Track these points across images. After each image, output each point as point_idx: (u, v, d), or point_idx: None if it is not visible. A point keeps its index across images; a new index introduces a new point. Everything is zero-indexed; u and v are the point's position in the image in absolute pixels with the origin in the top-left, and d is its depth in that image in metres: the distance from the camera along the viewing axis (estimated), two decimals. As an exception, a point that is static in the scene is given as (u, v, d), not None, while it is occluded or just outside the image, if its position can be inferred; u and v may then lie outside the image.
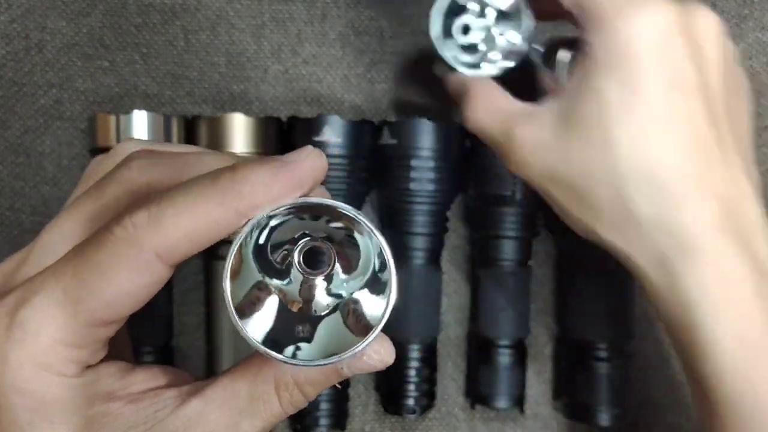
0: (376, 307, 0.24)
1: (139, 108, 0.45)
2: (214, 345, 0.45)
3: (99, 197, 0.26)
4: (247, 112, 0.44)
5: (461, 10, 0.39)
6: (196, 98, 0.47)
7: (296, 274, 0.25)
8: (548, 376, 0.47)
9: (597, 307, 0.44)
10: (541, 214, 0.47)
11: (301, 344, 0.24)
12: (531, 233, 0.45)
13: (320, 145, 0.42)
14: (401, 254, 0.44)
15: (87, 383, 0.24)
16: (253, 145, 0.43)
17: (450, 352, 0.48)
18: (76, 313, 0.23)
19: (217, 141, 0.43)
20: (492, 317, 0.45)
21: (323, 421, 0.44)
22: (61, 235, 0.26)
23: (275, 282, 0.25)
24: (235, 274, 0.23)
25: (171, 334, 0.44)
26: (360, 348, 0.23)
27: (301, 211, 0.24)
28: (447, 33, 0.39)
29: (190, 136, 0.44)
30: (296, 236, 0.25)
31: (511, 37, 0.38)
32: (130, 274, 0.23)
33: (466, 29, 0.39)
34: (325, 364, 0.23)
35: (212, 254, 0.44)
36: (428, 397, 0.45)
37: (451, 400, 0.47)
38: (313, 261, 0.25)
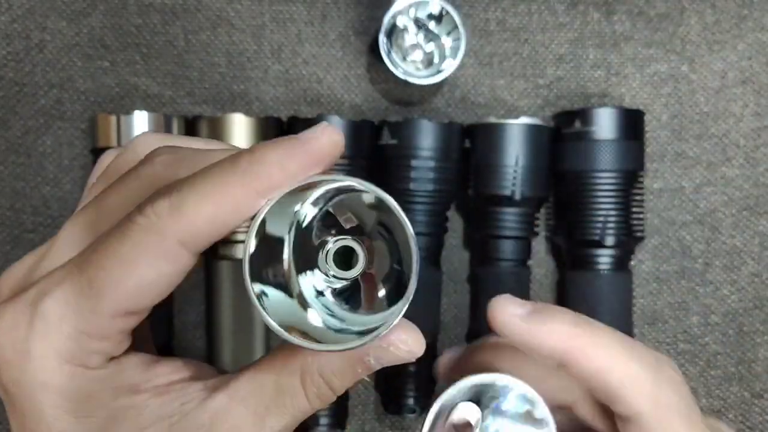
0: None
1: (140, 108, 0.45)
2: (214, 345, 0.45)
3: (122, 191, 0.25)
4: (247, 113, 0.44)
5: None
6: (197, 98, 0.47)
7: (322, 269, 0.24)
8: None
9: (597, 307, 0.44)
10: (541, 214, 0.47)
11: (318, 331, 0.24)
12: (531, 233, 0.45)
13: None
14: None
15: (111, 375, 0.24)
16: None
17: (450, 351, 0.48)
18: (99, 303, 0.23)
19: (217, 141, 0.43)
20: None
21: (323, 421, 0.44)
22: (83, 228, 0.25)
23: (299, 275, 0.24)
24: (255, 261, 0.23)
25: (171, 334, 0.44)
26: (383, 331, 0.22)
27: (322, 195, 0.23)
28: None
29: (190, 136, 0.44)
30: (327, 229, 0.24)
31: None
32: (154, 264, 0.23)
33: None
34: (349, 348, 0.22)
35: (213, 254, 0.44)
36: (428, 396, 0.45)
37: (451, 400, 0.48)
38: (344, 259, 0.24)
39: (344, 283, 0.25)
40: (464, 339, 0.48)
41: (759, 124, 0.49)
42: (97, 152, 0.43)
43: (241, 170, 0.22)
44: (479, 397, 0.27)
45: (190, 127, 0.44)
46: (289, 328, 0.22)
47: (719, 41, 0.49)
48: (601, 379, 0.26)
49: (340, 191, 0.23)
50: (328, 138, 0.23)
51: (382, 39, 0.44)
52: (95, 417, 0.24)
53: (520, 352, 0.28)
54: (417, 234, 0.44)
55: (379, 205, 0.23)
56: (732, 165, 0.48)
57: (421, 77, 0.44)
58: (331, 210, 0.24)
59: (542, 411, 0.26)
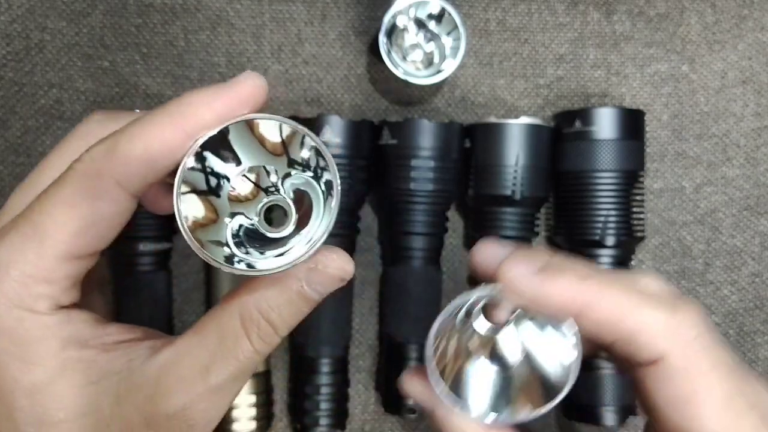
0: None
1: (140, 108, 0.45)
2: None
3: (61, 151, 0.27)
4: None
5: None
6: (197, 98, 0.47)
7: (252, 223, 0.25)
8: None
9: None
10: (541, 214, 0.47)
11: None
12: (531, 233, 0.45)
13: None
14: (401, 254, 0.44)
15: (59, 323, 0.25)
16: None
17: (450, 352, 0.48)
18: (43, 246, 0.24)
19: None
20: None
21: (323, 421, 0.44)
22: (30, 192, 0.26)
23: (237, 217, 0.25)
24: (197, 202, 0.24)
25: (171, 333, 0.44)
26: (309, 252, 0.23)
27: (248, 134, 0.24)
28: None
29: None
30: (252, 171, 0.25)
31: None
32: (94, 204, 0.24)
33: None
34: (276, 269, 0.23)
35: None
36: (428, 396, 0.45)
37: (451, 400, 0.48)
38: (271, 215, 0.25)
39: (280, 233, 0.25)
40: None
41: (759, 124, 0.49)
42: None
43: (169, 111, 0.24)
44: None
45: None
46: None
47: (719, 41, 0.49)
48: (615, 330, 0.26)
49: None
50: (252, 81, 0.25)
51: (382, 39, 0.44)
52: (44, 365, 0.24)
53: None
54: (417, 234, 0.44)
55: (292, 138, 0.24)
56: (732, 165, 0.48)
57: (421, 77, 0.44)
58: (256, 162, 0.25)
59: (568, 322, 0.26)
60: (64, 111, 0.46)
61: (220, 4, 0.47)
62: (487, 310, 0.29)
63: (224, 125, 0.24)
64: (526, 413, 0.24)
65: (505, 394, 0.27)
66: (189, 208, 0.23)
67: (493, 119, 0.44)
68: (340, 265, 0.24)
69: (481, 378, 0.27)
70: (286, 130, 0.24)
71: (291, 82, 0.47)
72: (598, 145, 0.43)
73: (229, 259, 0.23)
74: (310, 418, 0.44)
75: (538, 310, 0.27)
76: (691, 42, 0.49)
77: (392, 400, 0.45)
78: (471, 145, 0.45)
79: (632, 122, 0.44)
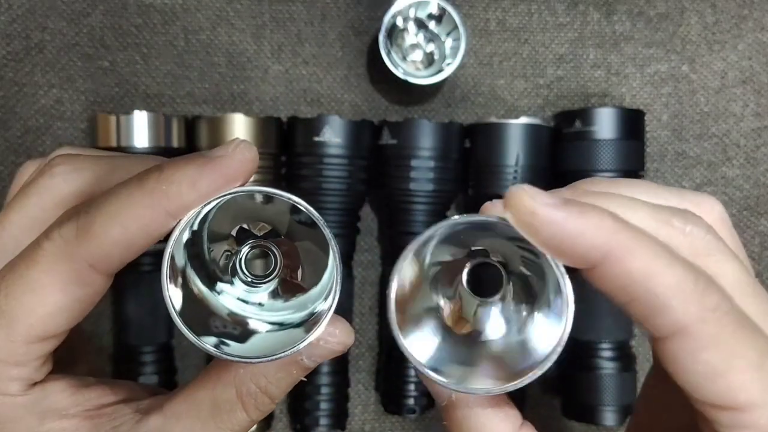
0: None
1: (140, 108, 0.45)
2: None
3: (24, 208, 0.25)
4: (247, 113, 0.44)
5: None
6: (197, 98, 0.47)
7: (240, 277, 0.24)
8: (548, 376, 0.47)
9: (596, 306, 0.44)
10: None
11: (253, 339, 0.23)
12: (531, 233, 0.45)
13: (320, 145, 0.42)
14: (401, 254, 0.44)
15: (35, 401, 0.24)
16: (254, 146, 0.43)
17: (450, 352, 0.48)
18: (11, 331, 0.22)
19: (217, 141, 0.43)
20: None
21: (323, 421, 0.44)
22: None
23: (223, 285, 0.24)
24: (179, 275, 0.22)
25: (171, 333, 0.44)
26: (315, 335, 0.22)
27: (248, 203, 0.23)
28: None
29: (190, 136, 0.44)
30: (238, 235, 0.24)
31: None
32: (65, 289, 0.22)
33: None
34: (281, 357, 0.22)
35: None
36: (428, 396, 0.45)
37: (451, 400, 0.47)
38: (259, 263, 0.25)
39: (268, 286, 0.25)
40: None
41: (759, 124, 0.49)
42: (96, 152, 0.43)
43: (149, 190, 0.21)
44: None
45: (190, 128, 0.44)
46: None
47: (719, 41, 0.49)
48: (645, 284, 0.22)
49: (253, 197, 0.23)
50: (240, 155, 0.22)
51: (382, 39, 0.44)
52: None
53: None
54: (417, 234, 0.44)
55: (294, 207, 0.22)
56: (732, 165, 0.48)
57: (421, 77, 0.44)
58: (245, 226, 0.24)
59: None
60: (64, 111, 0.46)
61: (220, 4, 0.47)
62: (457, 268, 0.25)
63: (208, 203, 0.21)
64: (501, 385, 0.21)
65: (475, 356, 0.24)
66: (176, 294, 0.22)
67: (493, 119, 0.44)
68: (341, 340, 0.23)
69: (449, 339, 0.24)
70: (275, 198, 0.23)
71: (291, 82, 0.47)
72: (598, 145, 0.43)
73: (226, 335, 0.23)
74: (310, 419, 0.44)
75: (549, 248, 0.23)
76: (691, 42, 0.49)
77: (392, 400, 0.45)
78: (471, 145, 0.45)
79: (632, 122, 0.44)
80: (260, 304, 0.25)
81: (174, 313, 0.21)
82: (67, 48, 0.46)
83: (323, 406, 0.44)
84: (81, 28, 0.46)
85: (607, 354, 0.44)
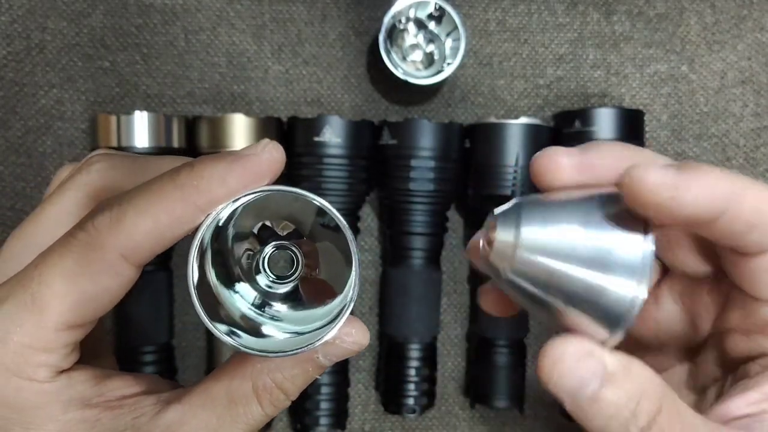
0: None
1: (140, 108, 0.45)
2: (214, 345, 0.45)
3: (60, 202, 0.26)
4: (247, 113, 0.44)
5: None
6: (197, 99, 0.47)
7: (262, 277, 0.25)
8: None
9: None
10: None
11: (271, 334, 0.24)
12: (531, 233, 0.45)
13: (320, 146, 0.42)
14: (401, 254, 0.44)
15: (60, 388, 0.24)
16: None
17: (450, 351, 0.48)
18: (42, 318, 0.23)
19: (217, 141, 0.43)
20: (492, 317, 0.45)
21: (323, 421, 0.44)
22: (25, 243, 0.26)
23: (241, 281, 0.25)
24: (201, 270, 0.23)
25: (171, 334, 0.44)
26: (332, 333, 0.22)
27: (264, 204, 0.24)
28: None
29: (190, 136, 0.44)
30: (261, 233, 0.25)
31: None
32: (96, 278, 0.23)
33: None
34: (298, 352, 0.22)
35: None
36: (428, 396, 0.45)
37: (451, 400, 0.48)
38: (280, 261, 0.25)
39: (287, 286, 0.25)
40: (464, 339, 0.48)
41: (759, 124, 0.49)
42: (97, 152, 0.43)
43: (180, 184, 0.22)
44: None
45: (191, 128, 0.44)
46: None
47: (719, 41, 0.49)
48: (759, 214, 0.23)
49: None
50: (268, 154, 0.24)
51: (382, 39, 0.44)
52: (45, 430, 0.24)
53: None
54: (417, 234, 0.44)
55: (319, 209, 0.23)
56: (732, 165, 0.48)
57: (421, 77, 0.44)
58: (268, 224, 0.25)
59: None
60: (64, 111, 0.46)
61: (220, 4, 0.47)
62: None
63: (238, 200, 0.23)
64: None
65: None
66: (204, 292, 0.23)
67: (493, 119, 0.44)
68: (357, 340, 0.24)
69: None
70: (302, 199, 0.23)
71: (291, 82, 0.47)
72: (598, 145, 0.43)
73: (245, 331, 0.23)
74: (310, 418, 0.44)
75: (688, 217, 0.23)
76: (691, 42, 0.49)
77: (392, 400, 0.45)
78: (471, 145, 0.45)
79: (632, 122, 0.44)
80: (274, 318, 0.25)
81: (197, 304, 0.22)
82: (68, 48, 0.46)
83: (323, 405, 0.44)
84: (81, 28, 0.46)
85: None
